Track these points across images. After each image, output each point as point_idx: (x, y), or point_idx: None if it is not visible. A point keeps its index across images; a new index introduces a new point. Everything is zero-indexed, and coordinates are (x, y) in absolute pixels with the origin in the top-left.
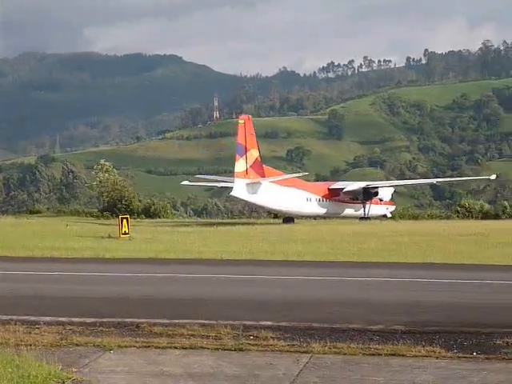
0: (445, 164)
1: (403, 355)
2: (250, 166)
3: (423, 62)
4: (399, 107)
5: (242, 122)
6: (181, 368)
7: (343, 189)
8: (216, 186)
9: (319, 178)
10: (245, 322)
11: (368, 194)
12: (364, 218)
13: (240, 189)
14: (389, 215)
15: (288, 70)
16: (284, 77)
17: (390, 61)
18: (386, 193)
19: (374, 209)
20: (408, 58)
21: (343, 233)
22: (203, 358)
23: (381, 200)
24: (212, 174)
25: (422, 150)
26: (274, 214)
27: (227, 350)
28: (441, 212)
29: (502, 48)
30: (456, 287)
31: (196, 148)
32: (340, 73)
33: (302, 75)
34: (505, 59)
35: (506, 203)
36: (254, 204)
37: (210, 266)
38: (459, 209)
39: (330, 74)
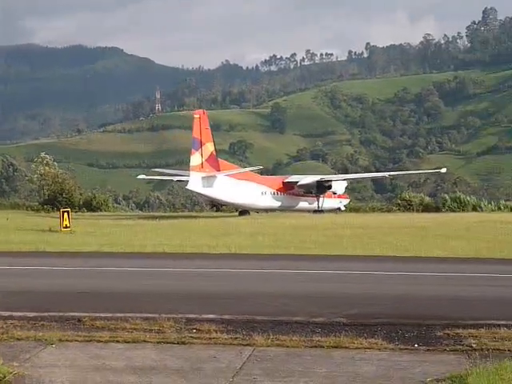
0: (386, 157)
1: (346, 347)
2: (206, 160)
3: (365, 55)
4: (341, 100)
5: (198, 116)
6: (123, 362)
7: (297, 182)
8: (172, 180)
9: (263, 172)
10: (187, 316)
11: (322, 188)
12: (318, 211)
13: (195, 182)
14: (343, 208)
15: (230, 63)
16: (226, 70)
17: (331, 54)
18: (339, 186)
19: (328, 202)
20: (350, 52)
21: (287, 226)
22: (146, 351)
23: (334, 193)
24: (154, 168)
25: (363, 143)
26: (217, 208)
27: (170, 343)
28: (382, 205)
29: (442, 42)
30: (396, 280)
31: (138, 141)
32: (282, 66)
33: (244, 68)
34: (445, 53)
35: (446, 196)
36: (208, 197)
37: (153, 260)
38: (400, 202)
39: (273, 67)
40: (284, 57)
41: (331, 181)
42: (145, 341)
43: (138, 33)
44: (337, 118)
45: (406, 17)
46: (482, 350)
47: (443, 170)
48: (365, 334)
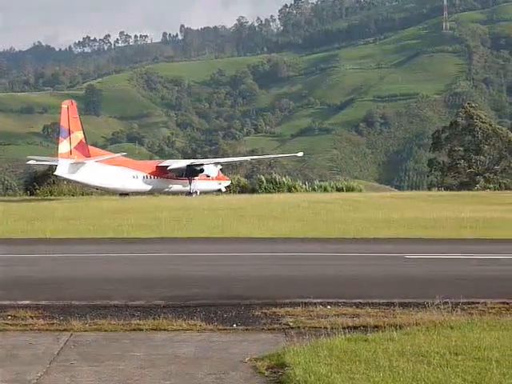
0: (203, 139)
1: (165, 329)
2: (74, 147)
3: (179, 37)
4: (157, 83)
5: (66, 106)
6: None
7: (168, 166)
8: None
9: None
10: (2, 302)
11: (193, 171)
12: (190, 193)
13: (63, 168)
14: (223, 190)
15: (43, 44)
16: (38, 51)
17: (146, 36)
18: (211, 169)
19: (207, 184)
20: (164, 34)
21: (106, 209)
22: None
23: (208, 176)
24: None
25: (180, 126)
26: (31, 192)
27: None
28: None
29: (256, 24)
30: (213, 260)
31: None
32: (96, 48)
33: (57, 50)
34: (259, 36)
35: (262, 178)
36: (77, 182)
37: None
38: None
39: (87, 49)
40: (98, 38)
41: (202, 164)
42: None
43: None
44: (153, 101)
45: None
46: (298, 328)
47: (300, 154)
48: (184, 316)
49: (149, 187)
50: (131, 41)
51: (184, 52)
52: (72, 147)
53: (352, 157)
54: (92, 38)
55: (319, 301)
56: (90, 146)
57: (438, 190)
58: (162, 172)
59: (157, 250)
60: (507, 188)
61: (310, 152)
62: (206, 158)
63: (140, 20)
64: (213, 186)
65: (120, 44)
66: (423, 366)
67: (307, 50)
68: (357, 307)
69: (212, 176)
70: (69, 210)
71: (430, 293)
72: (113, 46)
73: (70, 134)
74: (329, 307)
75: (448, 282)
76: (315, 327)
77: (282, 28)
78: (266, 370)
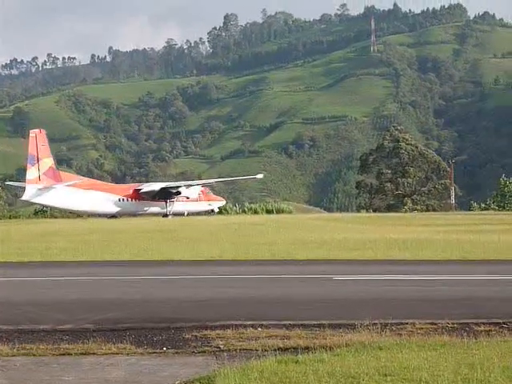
0: (132, 162)
1: (94, 353)
2: (43, 173)
3: (108, 59)
4: (85, 105)
5: (34, 135)
6: None
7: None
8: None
9: (6, 177)
10: None
11: (167, 194)
12: (166, 215)
13: (30, 193)
14: (216, 210)
15: None
16: None
17: (74, 58)
18: (190, 191)
19: (194, 205)
20: (93, 56)
21: (34, 232)
22: None
23: (187, 198)
24: None
25: (109, 148)
26: None
27: None
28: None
29: (185, 47)
30: (145, 284)
31: None
32: (24, 69)
33: None
34: (188, 58)
35: None
36: (46, 205)
37: None
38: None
39: (14, 71)
40: (25, 60)
41: (178, 187)
42: None
43: None
44: (81, 123)
45: (148, 21)
46: (229, 350)
47: (259, 176)
48: (113, 340)
49: (121, 209)
50: (59, 63)
51: (113, 74)
52: (41, 173)
53: (282, 179)
54: (19, 60)
55: (250, 323)
56: (62, 172)
57: (367, 211)
58: (138, 195)
59: (84, 274)
60: (434, 209)
61: (240, 174)
62: (137, 181)
63: (68, 42)
64: (201, 206)
65: (48, 66)
66: None
67: (236, 72)
68: (287, 329)
69: (192, 197)
70: None
71: (359, 314)
72: (40, 68)
73: (38, 160)
74: (259, 329)
75: (377, 303)
76: (246, 349)
77: (211, 50)
78: None
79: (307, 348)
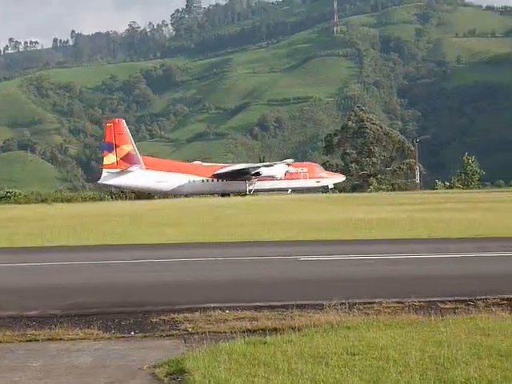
0: (97, 145)
1: (61, 339)
2: (121, 158)
3: (70, 43)
4: (48, 89)
5: (110, 124)
6: None
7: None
8: None
9: None
10: None
11: (243, 174)
12: (244, 194)
13: (107, 177)
14: (331, 186)
15: None
16: None
17: (36, 42)
18: (273, 171)
19: (298, 183)
20: (55, 40)
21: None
22: None
23: (273, 177)
24: None
25: (72, 132)
26: None
27: None
28: (94, 194)
29: (148, 30)
30: (111, 268)
31: None
32: None
33: None
34: (151, 41)
35: None
36: (122, 187)
37: None
38: (113, 190)
39: None
40: None
41: (257, 167)
42: None
43: None
44: (44, 107)
45: (111, 4)
46: (197, 333)
47: (289, 161)
48: (80, 325)
49: (203, 189)
50: (21, 47)
51: (75, 58)
52: (118, 158)
53: (248, 160)
54: None
55: (217, 305)
56: (144, 156)
57: (332, 192)
58: (219, 176)
59: (47, 259)
60: (400, 188)
61: (206, 156)
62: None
63: (30, 26)
64: (306, 184)
65: (10, 51)
66: (321, 367)
67: (200, 54)
68: (255, 310)
69: (279, 176)
70: None
71: (326, 294)
72: (2, 53)
73: (116, 147)
74: (227, 311)
75: (343, 283)
76: (214, 332)
77: (174, 33)
78: (165, 376)
79: (275, 329)
